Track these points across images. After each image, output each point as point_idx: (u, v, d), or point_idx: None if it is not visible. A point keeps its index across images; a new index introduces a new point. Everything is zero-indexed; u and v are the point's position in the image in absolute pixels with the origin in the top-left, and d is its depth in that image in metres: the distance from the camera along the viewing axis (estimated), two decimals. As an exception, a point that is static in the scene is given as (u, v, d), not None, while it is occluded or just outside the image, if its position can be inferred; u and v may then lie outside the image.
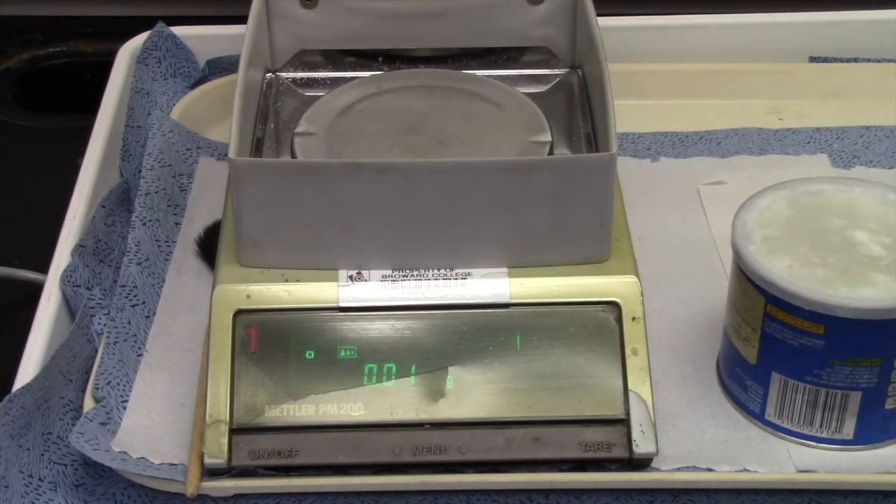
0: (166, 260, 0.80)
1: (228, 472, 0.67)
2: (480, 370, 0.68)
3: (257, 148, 0.75)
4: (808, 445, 0.70)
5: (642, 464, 0.68)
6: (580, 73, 0.81)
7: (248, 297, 0.69)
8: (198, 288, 0.78)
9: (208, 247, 0.80)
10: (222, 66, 0.97)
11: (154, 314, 0.77)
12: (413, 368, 0.68)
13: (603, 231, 0.70)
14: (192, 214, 0.84)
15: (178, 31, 0.98)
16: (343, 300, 0.69)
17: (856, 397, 0.68)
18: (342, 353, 0.68)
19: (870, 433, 0.69)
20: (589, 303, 0.69)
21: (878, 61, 0.98)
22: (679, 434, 0.70)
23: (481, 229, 0.69)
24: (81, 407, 0.72)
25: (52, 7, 1.17)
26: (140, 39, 0.97)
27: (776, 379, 0.69)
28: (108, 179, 0.88)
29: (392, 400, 0.68)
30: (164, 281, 0.79)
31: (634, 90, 0.93)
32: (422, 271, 0.70)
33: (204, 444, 0.67)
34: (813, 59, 0.99)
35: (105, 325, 0.77)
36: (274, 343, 0.68)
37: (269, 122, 0.80)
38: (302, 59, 0.84)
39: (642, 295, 0.69)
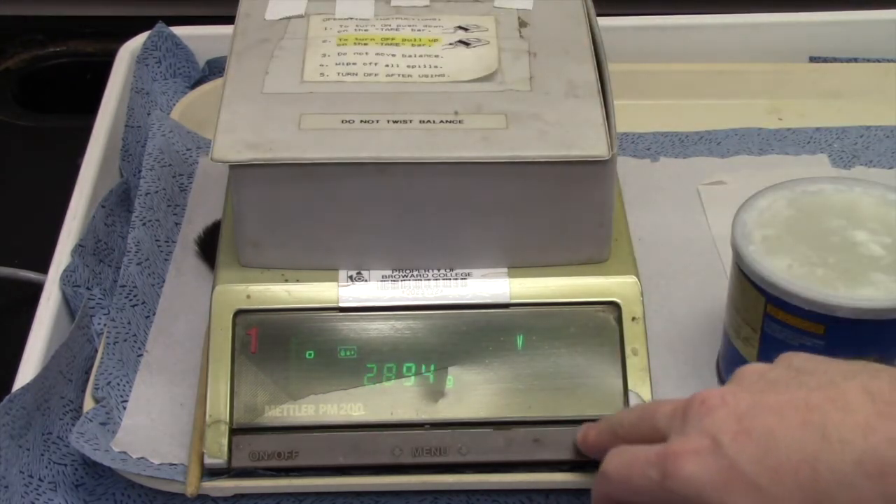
0: (166, 260, 0.80)
1: (228, 472, 0.67)
2: (480, 370, 0.68)
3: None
4: (808, 445, 0.70)
5: (642, 464, 0.68)
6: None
7: (248, 297, 0.69)
8: (198, 288, 0.78)
9: (208, 247, 0.80)
10: (222, 66, 0.97)
11: (154, 314, 0.77)
12: (413, 368, 0.68)
13: (603, 231, 0.70)
14: (192, 214, 0.84)
15: (178, 31, 0.98)
16: (343, 300, 0.69)
17: (856, 397, 0.68)
18: (342, 353, 0.68)
19: (870, 433, 0.69)
20: (589, 303, 0.69)
21: (878, 61, 0.98)
22: (679, 434, 0.70)
23: (481, 229, 0.69)
24: (81, 407, 0.72)
25: (52, 7, 1.17)
26: (140, 39, 0.98)
27: (776, 379, 0.69)
28: (108, 179, 0.88)
29: (392, 400, 0.68)
30: (164, 281, 0.79)
31: (634, 90, 0.93)
32: (422, 271, 0.70)
33: (204, 444, 0.67)
34: (813, 59, 0.99)
35: (105, 325, 0.77)
36: (274, 343, 0.68)
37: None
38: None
39: (642, 295, 0.69)
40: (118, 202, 0.85)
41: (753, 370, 0.59)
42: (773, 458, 0.54)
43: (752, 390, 0.57)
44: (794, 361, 0.58)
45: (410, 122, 0.68)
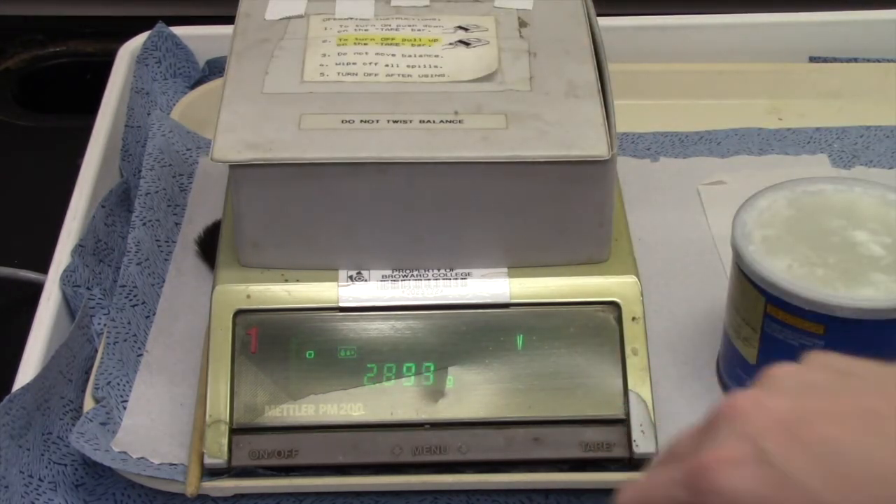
0: (166, 260, 0.80)
1: (228, 472, 0.67)
2: (480, 370, 0.68)
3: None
4: (808, 445, 0.70)
5: (642, 464, 0.68)
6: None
7: (248, 297, 0.69)
8: (198, 288, 0.78)
9: (208, 247, 0.80)
10: (222, 66, 0.97)
11: (154, 314, 0.77)
12: (413, 368, 0.68)
13: (603, 231, 0.70)
14: (192, 214, 0.84)
15: (178, 31, 0.98)
16: (343, 300, 0.69)
17: (856, 397, 0.68)
18: (342, 353, 0.68)
19: (870, 433, 0.69)
20: (589, 303, 0.69)
21: (878, 61, 0.98)
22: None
23: (481, 229, 0.69)
24: (81, 407, 0.72)
25: (52, 7, 1.17)
26: (140, 39, 0.97)
27: (776, 379, 0.69)
28: (108, 179, 0.88)
29: (392, 400, 0.68)
30: (164, 281, 0.79)
31: (634, 90, 0.93)
32: (422, 271, 0.70)
33: (204, 444, 0.67)
34: (813, 59, 0.99)
35: (105, 325, 0.77)
36: (274, 343, 0.68)
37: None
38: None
39: (642, 295, 0.69)
40: (118, 202, 0.85)
41: (786, 372, 0.51)
42: (841, 471, 0.47)
43: (791, 394, 0.50)
44: (830, 362, 0.52)
45: (410, 122, 0.68)
